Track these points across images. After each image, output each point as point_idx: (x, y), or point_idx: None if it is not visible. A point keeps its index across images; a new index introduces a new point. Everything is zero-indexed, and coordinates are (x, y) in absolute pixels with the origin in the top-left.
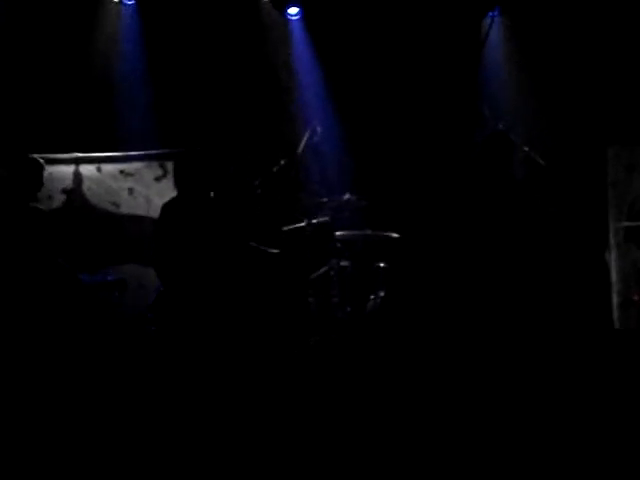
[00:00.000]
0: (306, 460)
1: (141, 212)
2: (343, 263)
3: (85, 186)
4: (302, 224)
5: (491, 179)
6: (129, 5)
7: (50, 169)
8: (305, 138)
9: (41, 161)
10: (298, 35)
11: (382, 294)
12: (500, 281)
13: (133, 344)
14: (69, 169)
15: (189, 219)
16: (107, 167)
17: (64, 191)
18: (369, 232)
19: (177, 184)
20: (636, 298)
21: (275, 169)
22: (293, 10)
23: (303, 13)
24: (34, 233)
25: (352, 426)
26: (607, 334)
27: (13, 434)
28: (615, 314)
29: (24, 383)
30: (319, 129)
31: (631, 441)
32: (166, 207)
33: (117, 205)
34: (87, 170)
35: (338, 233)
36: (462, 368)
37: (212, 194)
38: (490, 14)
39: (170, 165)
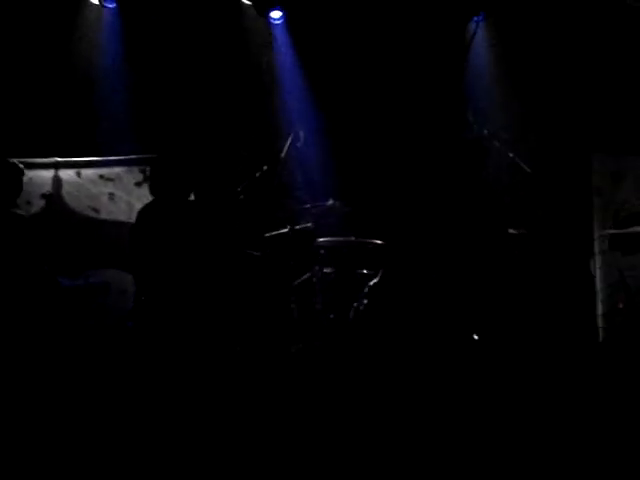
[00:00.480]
0: (290, 467)
1: (122, 217)
2: (326, 270)
3: (65, 191)
4: (285, 230)
5: (464, 185)
6: (110, 8)
7: (29, 174)
8: (288, 143)
9: (20, 166)
10: (281, 39)
11: (365, 301)
12: (480, 288)
13: (113, 348)
14: (48, 174)
15: (165, 224)
16: (87, 172)
17: (43, 196)
18: (353, 239)
19: (152, 189)
20: (621, 306)
21: (258, 174)
22: (276, 14)
23: (286, 17)
24: (14, 239)
25: (335, 433)
26: (591, 345)
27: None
28: (600, 323)
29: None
30: (302, 134)
31: (618, 448)
32: (142, 212)
33: (97, 210)
34: (67, 175)
35: (321, 239)
36: (446, 375)
37: (191, 198)
38: (475, 19)
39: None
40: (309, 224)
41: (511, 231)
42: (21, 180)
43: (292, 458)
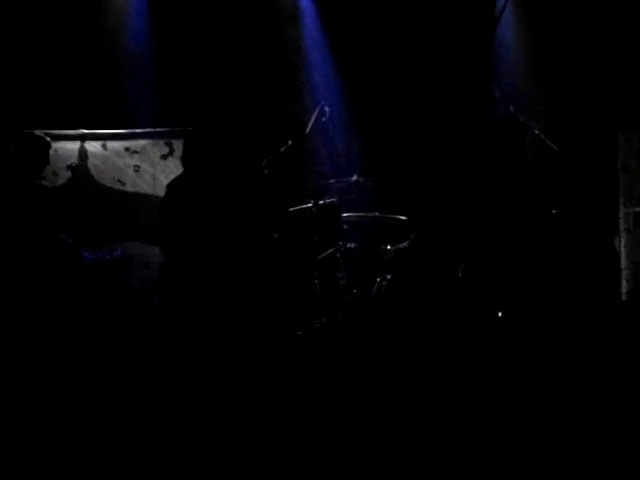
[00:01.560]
0: (311, 446)
1: (147, 190)
2: (350, 245)
3: (90, 163)
4: (309, 205)
5: (501, 163)
6: None
7: (55, 145)
8: (313, 118)
9: (47, 139)
10: (308, 14)
11: (389, 277)
12: (507, 267)
13: (136, 320)
14: (74, 146)
15: (195, 198)
16: (113, 144)
17: (69, 167)
18: (377, 214)
19: (185, 162)
20: None
21: (283, 149)
22: None
23: None
24: (37, 210)
25: (356, 409)
26: (615, 322)
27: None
28: (624, 299)
29: (24, 360)
30: (327, 109)
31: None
32: (172, 185)
33: (122, 182)
34: (93, 147)
35: (345, 215)
36: (467, 354)
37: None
38: None
39: (176, 143)
40: (333, 199)
41: (554, 211)
42: (48, 153)
43: (315, 434)
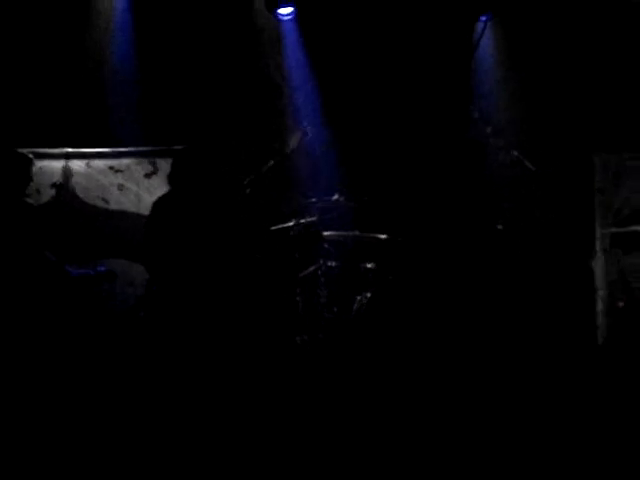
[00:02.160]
0: (295, 462)
1: (131, 208)
2: (330, 263)
3: (74, 181)
4: (290, 224)
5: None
6: (122, 1)
7: (39, 164)
8: (295, 138)
9: (30, 156)
10: (290, 35)
11: (369, 295)
12: (484, 285)
13: (121, 337)
14: (58, 164)
15: (180, 216)
16: (97, 163)
17: (53, 186)
18: (357, 233)
19: (172, 181)
20: (621, 305)
21: (264, 169)
22: (285, 10)
23: (296, 13)
24: (21, 227)
25: (337, 425)
26: (590, 343)
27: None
28: (599, 321)
29: (8, 375)
30: (309, 129)
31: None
32: (157, 204)
33: (106, 201)
34: (77, 165)
35: (326, 233)
36: (447, 369)
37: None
38: (482, 18)
39: (160, 162)
40: (314, 218)
41: (508, 226)
42: (30, 170)
43: (294, 451)
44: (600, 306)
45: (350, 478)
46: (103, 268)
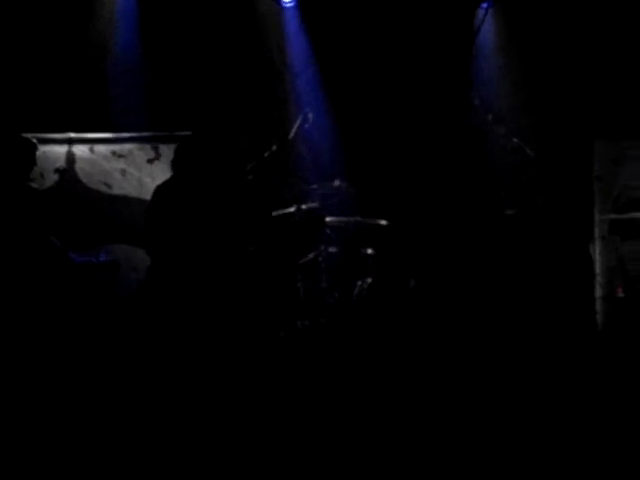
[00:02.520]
0: (295, 448)
1: (133, 193)
2: (331, 249)
3: (78, 166)
4: (292, 209)
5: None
6: None
7: (43, 148)
8: (297, 124)
9: (34, 141)
10: (292, 21)
11: (369, 280)
12: (483, 272)
13: (124, 322)
14: (62, 149)
15: (183, 202)
16: (100, 148)
17: (57, 171)
18: (358, 219)
19: (175, 167)
20: (620, 293)
21: (266, 154)
22: None
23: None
24: (26, 211)
25: (340, 411)
26: (589, 329)
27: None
28: (598, 306)
29: (12, 361)
30: (310, 116)
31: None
32: (160, 189)
33: (109, 186)
34: (80, 150)
35: (327, 219)
36: (448, 355)
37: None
38: (483, 5)
39: (163, 147)
40: (316, 204)
41: (508, 212)
42: (34, 155)
43: (295, 437)
44: (599, 292)
45: (351, 466)
46: (105, 257)
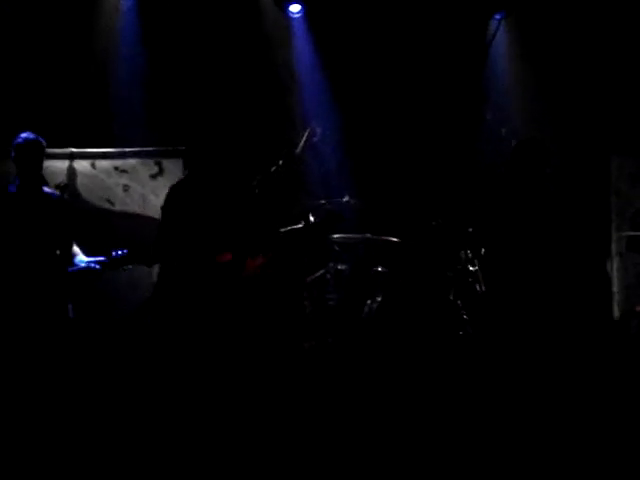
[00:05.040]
0: (301, 463)
1: (136, 209)
2: (340, 266)
3: (79, 182)
4: (300, 226)
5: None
6: (128, 1)
7: (45, 163)
8: (304, 139)
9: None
10: (299, 34)
11: (379, 299)
12: (502, 289)
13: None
14: (63, 164)
15: (191, 217)
16: (101, 163)
17: (57, 186)
18: (368, 236)
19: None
20: (638, 309)
21: (273, 169)
22: (295, 8)
23: (305, 11)
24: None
25: (348, 429)
26: (607, 346)
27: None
28: (616, 324)
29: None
30: (319, 130)
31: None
32: (168, 203)
33: (111, 202)
34: (81, 166)
35: (336, 236)
36: (458, 374)
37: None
38: (496, 17)
39: (166, 162)
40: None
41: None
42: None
43: (302, 456)
44: (617, 310)
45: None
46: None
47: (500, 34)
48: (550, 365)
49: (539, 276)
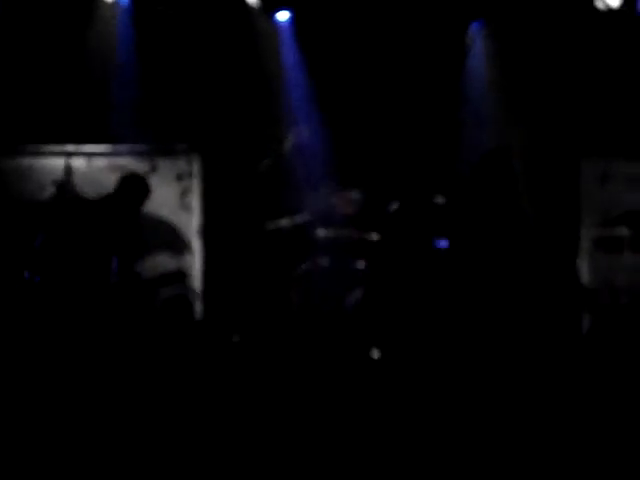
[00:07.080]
0: (289, 457)
1: None
2: (323, 262)
3: (75, 179)
4: (285, 222)
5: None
6: (124, 3)
7: (41, 161)
8: (291, 138)
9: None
10: (287, 38)
11: (360, 293)
12: (476, 286)
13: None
14: (60, 162)
15: None
16: (97, 161)
17: (54, 183)
18: (350, 231)
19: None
20: (607, 306)
21: (260, 168)
22: (283, 15)
23: (293, 17)
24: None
25: (335, 422)
26: (576, 344)
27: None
28: (584, 322)
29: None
30: (305, 131)
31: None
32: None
33: None
34: (77, 163)
35: (320, 232)
36: (441, 365)
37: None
38: (474, 25)
39: (160, 160)
40: (308, 217)
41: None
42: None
43: (291, 449)
44: (586, 306)
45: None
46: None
47: (478, 42)
48: (520, 363)
49: (508, 278)
